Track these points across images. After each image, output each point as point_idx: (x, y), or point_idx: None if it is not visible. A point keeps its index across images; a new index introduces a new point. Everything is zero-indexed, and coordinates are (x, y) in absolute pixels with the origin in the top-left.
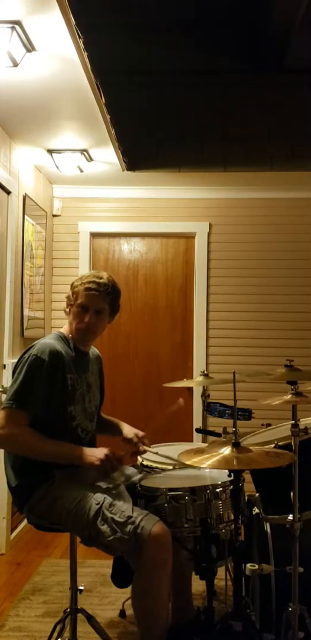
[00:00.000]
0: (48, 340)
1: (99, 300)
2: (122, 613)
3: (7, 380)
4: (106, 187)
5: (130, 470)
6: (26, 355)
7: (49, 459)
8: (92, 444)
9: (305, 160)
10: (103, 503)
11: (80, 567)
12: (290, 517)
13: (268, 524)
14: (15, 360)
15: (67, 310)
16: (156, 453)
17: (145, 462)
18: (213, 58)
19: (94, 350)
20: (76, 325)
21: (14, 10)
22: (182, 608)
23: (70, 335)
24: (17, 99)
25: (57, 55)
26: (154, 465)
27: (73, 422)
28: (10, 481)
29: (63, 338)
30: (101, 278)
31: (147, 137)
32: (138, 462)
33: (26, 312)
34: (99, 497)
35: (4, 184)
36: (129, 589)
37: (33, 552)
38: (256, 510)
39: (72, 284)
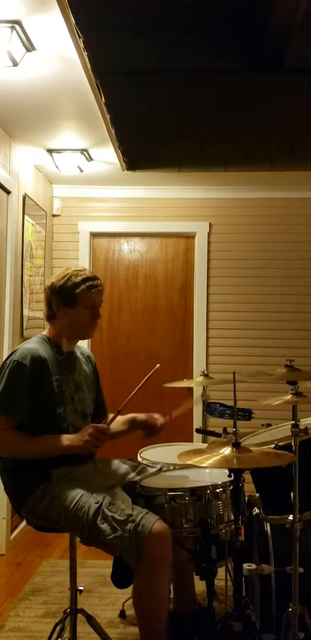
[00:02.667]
0: (30, 345)
1: (101, 296)
2: (122, 613)
3: None
4: (105, 186)
5: (125, 467)
6: (8, 361)
7: (36, 456)
8: None
9: (305, 160)
10: (103, 502)
11: (80, 567)
12: (290, 517)
13: (268, 524)
14: None
15: (55, 312)
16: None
17: (145, 463)
18: (213, 58)
19: (82, 349)
20: (87, 325)
21: (13, 10)
22: (184, 598)
23: (73, 336)
24: (17, 99)
25: (57, 55)
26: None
27: (64, 423)
28: (6, 485)
29: (47, 340)
30: (92, 273)
31: (147, 137)
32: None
33: (26, 312)
34: (98, 496)
35: (3, 183)
36: (129, 590)
37: (33, 552)
38: (256, 510)
39: (56, 286)
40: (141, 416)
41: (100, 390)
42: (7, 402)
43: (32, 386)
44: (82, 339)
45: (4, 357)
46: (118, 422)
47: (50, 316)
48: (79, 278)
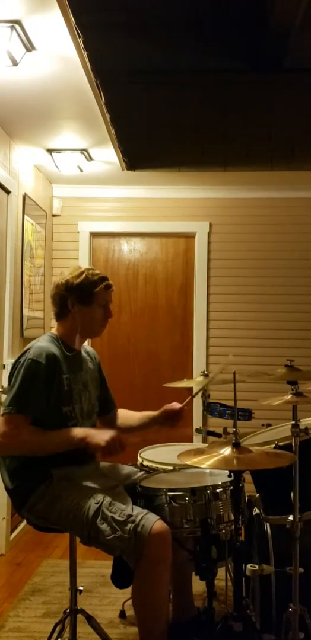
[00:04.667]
0: (43, 344)
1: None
2: (122, 614)
3: (6, 380)
4: (105, 186)
5: (128, 469)
6: (22, 360)
7: (55, 450)
8: None
9: (305, 160)
10: (103, 502)
11: (80, 567)
12: (290, 517)
13: (268, 525)
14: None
15: (69, 310)
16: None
17: (145, 463)
18: (213, 58)
19: (87, 348)
20: (100, 324)
21: (13, 10)
22: (183, 605)
23: (78, 335)
24: (17, 99)
25: (57, 55)
26: (154, 465)
27: (70, 422)
28: (7, 484)
29: (56, 339)
30: (104, 274)
31: (147, 137)
32: (138, 462)
33: (26, 312)
34: (98, 496)
35: (3, 183)
36: (129, 590)
37: (33, 552)
38: (256, 510)
39: (72, 284)
40: (156, 411)
41: (106, 387)
42: (24, 401)
43: (47, 384)
44: (94, 337)
45: (4, 357)
46: (133, 417)
47: (61, 314)
48: (97, 277)
